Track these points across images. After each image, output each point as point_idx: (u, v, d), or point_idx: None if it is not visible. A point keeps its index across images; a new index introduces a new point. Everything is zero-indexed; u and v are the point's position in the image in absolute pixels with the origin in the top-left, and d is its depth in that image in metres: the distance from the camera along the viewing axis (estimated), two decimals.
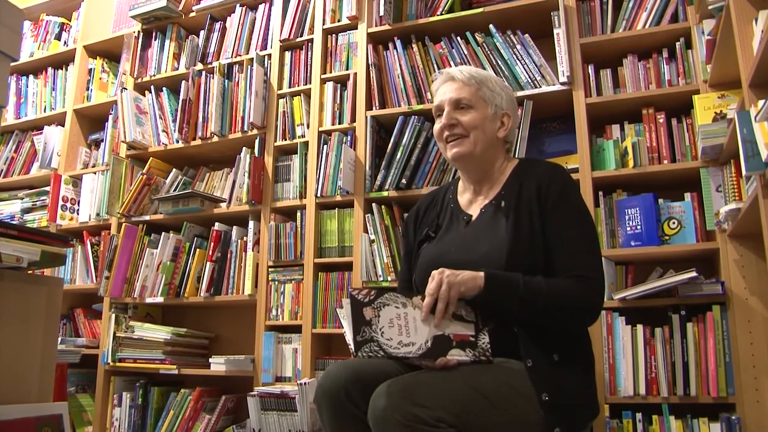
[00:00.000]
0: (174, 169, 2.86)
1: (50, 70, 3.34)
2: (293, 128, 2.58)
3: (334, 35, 2.61)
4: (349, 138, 2.42)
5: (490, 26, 2.27)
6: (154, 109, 2.91)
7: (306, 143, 2.51)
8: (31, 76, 3.41)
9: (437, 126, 1.48)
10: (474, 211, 1.46)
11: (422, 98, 2.35)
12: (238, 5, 2.84)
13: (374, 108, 2.43)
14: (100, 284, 2.69)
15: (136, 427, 2.54)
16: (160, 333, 2.51)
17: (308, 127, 2.54)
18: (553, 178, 1.37)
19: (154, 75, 2.96)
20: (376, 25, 2.50)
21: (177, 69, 2.92)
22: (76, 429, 2.62)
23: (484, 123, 1.44)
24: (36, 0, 3.48)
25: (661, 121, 2.08)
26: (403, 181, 2.29)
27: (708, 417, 1.81)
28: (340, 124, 2.48)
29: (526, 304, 1.25)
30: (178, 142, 2.79)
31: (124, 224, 2.73)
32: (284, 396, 2.10)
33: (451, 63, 2.32)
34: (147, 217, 2.76)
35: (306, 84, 2.60)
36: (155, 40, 3.01)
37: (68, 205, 3.01)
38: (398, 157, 2.30)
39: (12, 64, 1.26)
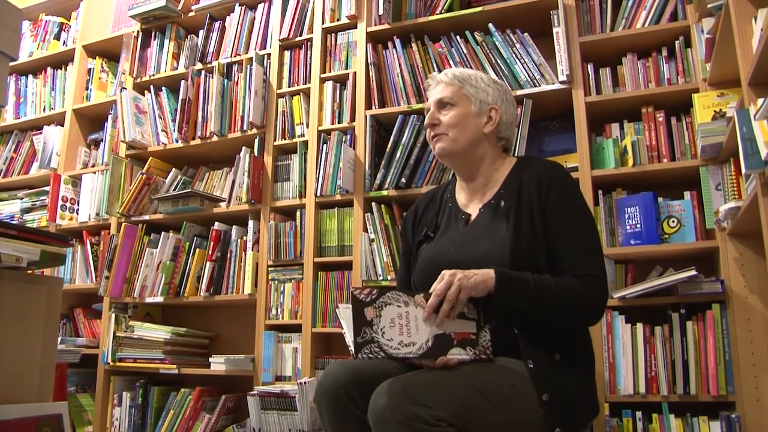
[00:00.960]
0: (173, 169, 2.86)
1: (49, 69, 3.34)
2: (293, 127, 2.58)
3: (333, 34, 2.60)
4: (348, 137, 2.42)
5: (490, 25, 2.27)
6: (153, 109, 2.91)
7: (305, 142, 2.51)
8: (30, 76, 3.41)
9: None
10: (473, 211, 1.46)
11: (421, 97, 2.35)
12: (237, 4, 2.84)
13: (374, 107, 2.43)
14: (100, 284, 2.69)
15: (136, 426, 2.54)
16: (160, 333, 2.51)
17: (308, 126, 2.54)
18: (553, 177, 1.38)
19: (153, 75, 2.96)
20: (375, 25, 2.50)
21: (176, 68, 2.92)
22: (76, 429, 2.62)
23: (465, 119, 1.45)
24: (35, 0, 3.48)
25: (660, 119, 2.08)
26: (403, 180, 2.29)
27: (708, 415, 1.81)
28: (339, 123, 2.48)
29: (536, 303, 1.24)
30: (177, 141, 2.79)
31: (123, 224, 2.73)
32: (284, 395, 2.10)
33: (451, 62, 2.32)
34: (147, 217, 2.76)
35: (305, 83, 2.60)
36: (154, 39, 3.01)
37: (68, 204, 3.01)
38: (398, 156, 2.30)
39: (11, 63, 1.26)
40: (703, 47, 1.98)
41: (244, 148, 2.62)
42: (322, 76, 2.56)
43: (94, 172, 2.99)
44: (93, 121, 3.22)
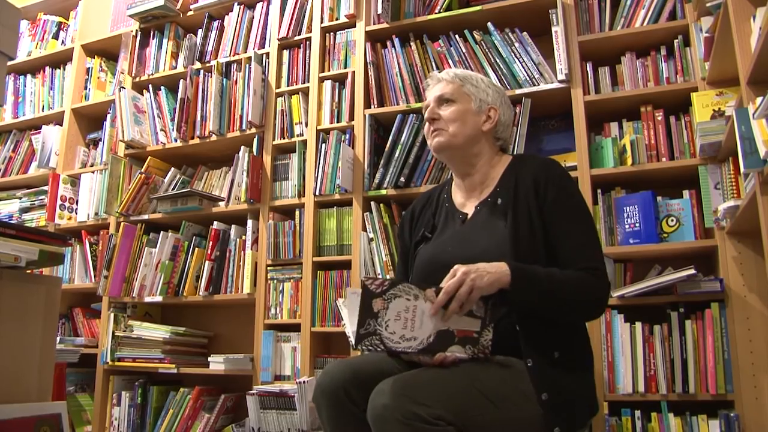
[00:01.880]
0: (172, 168, 2.85)
1: (48, 69, 3.33)
2: (291, 127, 2.58)
3: (332, 33, 2.60)
4: (347, 136, 2.42)
5: (489, 24, 2.27)
6: (152, 108, 2.91)
7: (304, 142, 2.51)
8: (28, 76, 3.40)
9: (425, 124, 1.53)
10: (469, 210, 1.47)
11: (420, 96, 2.35)
12: (236, 4, 2.84)
13: (372, 106, 2.43)
14: (99, 283, 2.69)
15: (136, 426, 2.54)
16: (159, 332, 2.51)
17: (306, 125, 2.54)
18: (550, 174, 1.38)
19: (152, 74, 2.96)
20: (374, 24, 2.50)
21: (175, 68, 2.92)
22: (75, 428, 2.62)
23: (465, 115, 1.46)
24: None
25: (659, 118, 2.08)
26: (402, 179, 2.29)
27: (707, 414, 1.81)
28: (338, 122, 2.48)
29: (547, 297, 1.25)
30: (176, 141, 2.79)
31: (122, 223, 2.73)
32: (283, 395, 2.10)
33: (450, 61, 2.32)
34: (145, 216, 2.76)
35: (304, 82, 2.60)
36: (153, 39, 3.00)
37: (66, 204, 3.01)
38: (397, 155, 2.30)
39: (9, 63, 1.26)
40: (702, 46, 1.98)
41: (242, 147, 2.62)
42: (321, 75, 2.55)
43: (93, 172, 2.99)
44: (92, 121, 3.22)
